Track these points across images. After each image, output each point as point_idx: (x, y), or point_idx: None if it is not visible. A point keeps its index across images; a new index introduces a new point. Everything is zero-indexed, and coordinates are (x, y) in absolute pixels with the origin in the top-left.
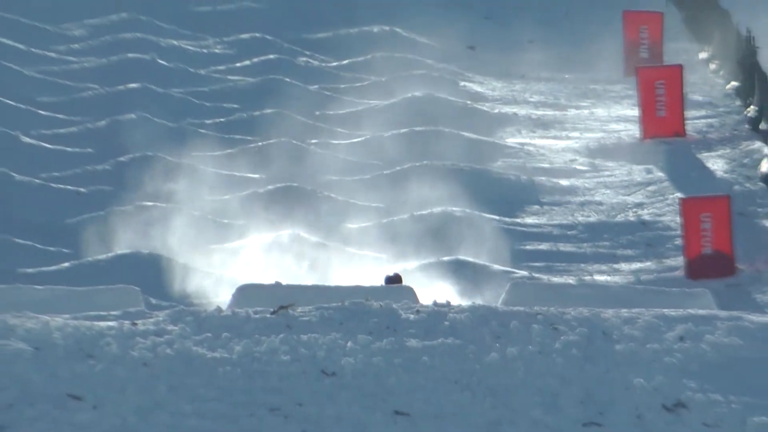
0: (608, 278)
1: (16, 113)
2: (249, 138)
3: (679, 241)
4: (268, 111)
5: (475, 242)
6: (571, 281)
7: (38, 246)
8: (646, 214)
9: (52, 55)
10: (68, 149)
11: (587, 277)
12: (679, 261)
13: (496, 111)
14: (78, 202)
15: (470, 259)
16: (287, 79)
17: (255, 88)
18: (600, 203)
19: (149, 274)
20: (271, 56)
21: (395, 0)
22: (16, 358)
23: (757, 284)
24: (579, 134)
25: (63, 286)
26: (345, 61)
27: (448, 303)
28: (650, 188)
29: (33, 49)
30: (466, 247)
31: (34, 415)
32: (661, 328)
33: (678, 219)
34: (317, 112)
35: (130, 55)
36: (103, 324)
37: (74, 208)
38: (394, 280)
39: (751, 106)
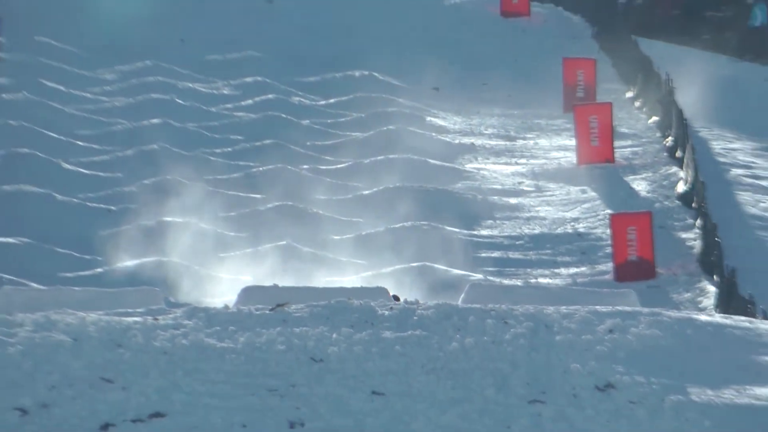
0: (549, 281)
1: (59, 144)
2: (251, 164)
3: (608, 250)
4: (268, 142)
5: (439, 251)
6: (518, 283)
7: (76, 254)
8: (581, 227)
9: (88, 95)
10: (101, 174)
11: (532, 280)
12: (608, 266)
13: (457, 141)
14: (109, 218)
15: (435, 265)
16: (283, 115)
17: (256, 122)
18: (543, 218)
19: (168, 277)
20: (270, 96)
21: (373, 50)
22: (58, 347)
23: (674, 285)
24: (525, 161)
25: (96, 287)
26: (331, 100)
27: (417, 301)
28: (585, 206)
29: (72, 91)
30: (432, 254)
31: (73, 395)
32: (593, 322)
33: (608, 231)
34: (308, 143)
35: (153, 95)
36: (129, 319)
37: (106, 222)
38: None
39: (669, 137)
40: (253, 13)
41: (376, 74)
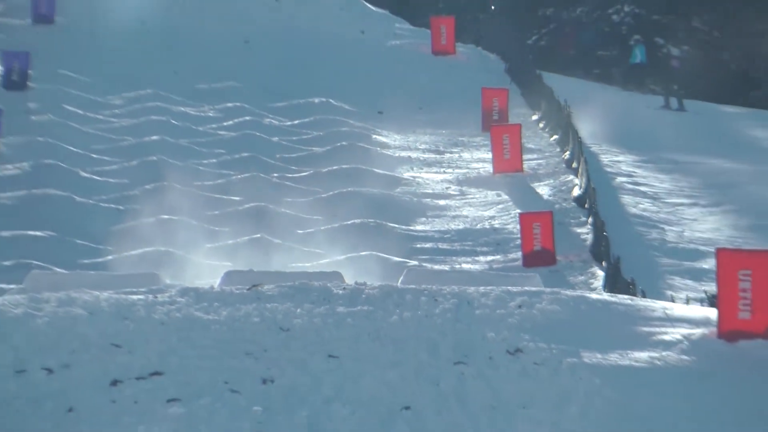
0: (471, 266)
1: (77, 156)
2: (231, 173)
3: (518, 242)
4: (245, 154)
5: (382, 242)
6: (446, 268)
7: (91, 245)
8: (496, 224)
9: (101, 117)
10: (111, 180)
11: (457, 266)
12: (518, 255)
13: (397, 155)
14: (118, 216)
15: (379, 254)
16: (257, 134)
17: (235, 139)
18: (466, 216)
19: (165, 263)
20: (247, 118)
21: (329, 81)
22: (77, 319)
23: (570, 270)
24: (452, 170)
25: (107, 272)
26: (296, 121)
27: (365, 283)
28: (499, 206)
29: (88, 114)
30: (377, 245)
31: (89, 358)
32: (506, 299)
33: (517, 227)
34: (277, 155)
35: (152, 117)
36: (134, 297)
37: (115, 219)
38: None
39: (567, 152)
40: (233, 52)
41: (331, 101)
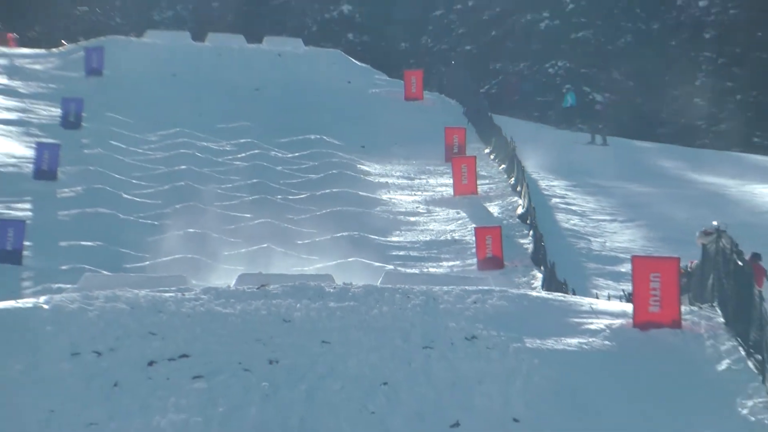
0: (436, 270)
1: (121, 182)
2: (245, 196)
3: (473, 250)
4: (255, 181)
5: (365, 251)
6: (416, 272)
7: (132, 253)
8: (456, 236)
9: (139, 150)
10: (148, 201)
11: (425, 270)
12: (473, 261)
13: (377, 181)
14: (153, 229)
15: (363, 260)
16: (265, 164)
17: (247, 168)
18: (432, 230)
19: (191, 267)
20: (256, 151)
21: (323, 122)
22: (120, 312)
23: (515, 273)
24: (421, 193)
25: (145, 274)
26: (296, 154)
27: (351, 283)
28: (458, 222)
29: (129, 148)
30: (361, 253)
31: (130, 343)
32: (464, 296)
33: (473, 238)
34: (281, 181)
35: (181, 150)
36: (166, 294)
37: (152, 232)
38: None
39: (512, 178)
40: (246, 97)
41: (324, 137)
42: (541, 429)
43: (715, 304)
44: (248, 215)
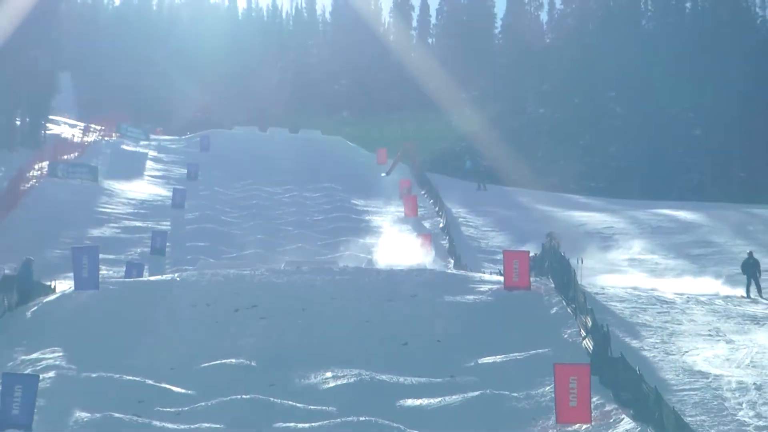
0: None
1: (220, 210)
2: (288, 217)
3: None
4: (293, 209)
5: (355, 247)
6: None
7: (227, 249)
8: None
9: (230, 192)
10: (235, 221)
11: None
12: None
13: (362, 209)
14: (240, 236)
15: (354, 253)
16: (299, 200)
17: (289, 202)
18: (391, 238)
19: (260, 257)
20: (294, 193)
21: (332, 177)
22: (219, 282)
23: (438, 260)
24: (386, 215)
25: (234, 261)
26: (317, 194)
27: (347, 266)
28: (407, 230)
29: (225, 191)
30: (353, 249)
31: (225, 299)
32: (411, 273)
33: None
34: (308, 209)
35: (253, 192)
36: (245, 272)
37: (241, 238)
38: None
39: (437, 208)
40: (289, 159)
41: (333, 185)
42: (453, 346)
43: (549, 276)
44: (290, 228)
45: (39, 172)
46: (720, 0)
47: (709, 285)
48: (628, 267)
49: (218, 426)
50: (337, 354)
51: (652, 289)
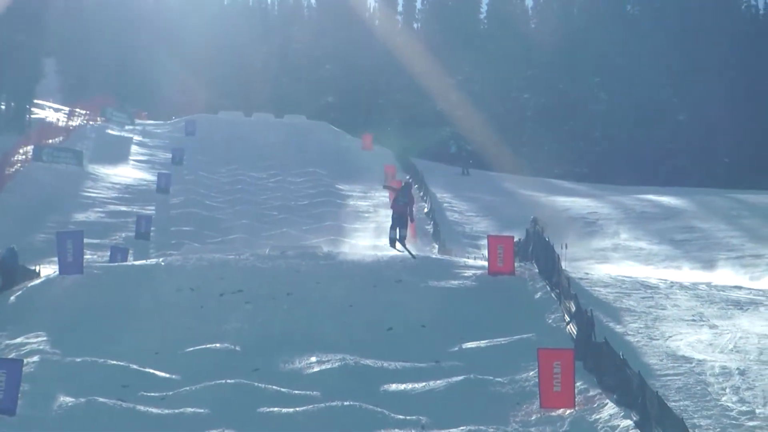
0: (379, 243)
1: (204, 194)
2: (273, 202)
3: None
4: (279, 194)
5: (340, 232)
6: (368, 245)
7: (211, 233)
8: (389, 226)
9: (215, 176)
10: (220, 205)
11: (374, 244)
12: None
13: (346, 194)
14: (223, 221)
15: (339, 238)
16: (284, 185)
17: (274, 187)
18: (376, 221)
19: (244, 242)
20: (279, 177)
21: (317, 162)
22: (204, 267)
23: (422, 245)
24: (371, 201)
25: (219, 246)
26: (301, 179)
27: (331, 251)
28: (390, 216)
29: (209, 175)
30: (337, 233)
31: (210, 284)
32: (395, 258)
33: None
34: (293, 194)
35: (238, 177)
36: (230, 256)
37: (222, 223)
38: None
39: (422, 193)
40: (273, 149)
41: (317, 170)
42: (438, 331)
43: (533, 261)
44: (275, 213)
45: (24, 157)
46: None
47: (693, 270)
48: (612, 252)
49: (202, 410)
50: (322, 339)
51: (635, 275)
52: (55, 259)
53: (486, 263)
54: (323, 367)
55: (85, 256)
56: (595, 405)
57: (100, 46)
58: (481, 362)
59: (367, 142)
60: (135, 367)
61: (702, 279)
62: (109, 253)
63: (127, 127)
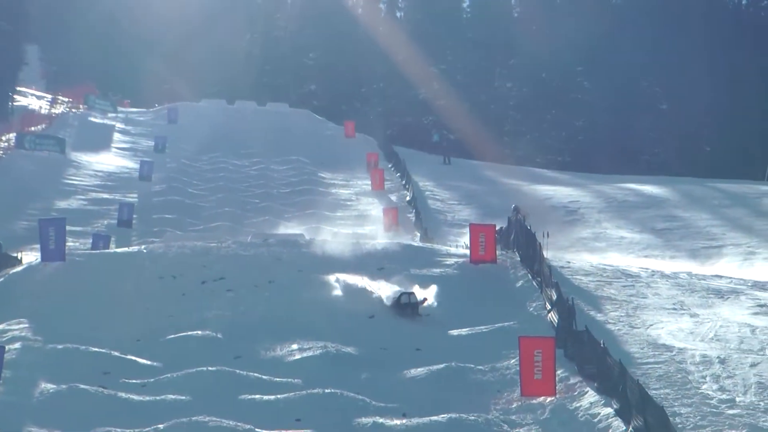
0: (360, 230)
1: (186, 182)
2: (255, 190)
3: (381, 220)
4: (261, 182)
5: (322, 220)
6: (350, 232)
7: (193, 221)
8: (372, 213)
9: (197, 164)
10: (200, 193)
11: (355, 231)
12: (378, 227)
13: (329, 182)
14: (205, 209)
15: (321, 226)
16: (266, 173)
17: (257, 175)
18: (359, 209)
19: (227, 229)
20: (262, 165)
21: (299, 150)
22: (186, 254)
23: (404, 233)
24: (353, 188)
25: (200, 234)
26: (284, 167)
27: (313, 239)
28: (372, 204)
29: (191, 163)
30: (319, 222)
31: (192, 271)
32: (376, 245)
33: (379, 213)
34: (276, 182)
35: (220, 165)
36: (212, 244)
37: (203, 210)
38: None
39: (404, 181)
40: (257, 136)
41: (300, 158)
42: (419, 319)
43: (514, 249)
44: (257, 201)
45: (6, 144)
46: None
47: (674, 259)
48: (593, 241)
49: (184, 397)
50: (303, 326)
51: (617, 264)
52: (37, 246)
53: (468, 251)
54: (304, 354)
55: (67, 244)
56: (576, 393)
57: (83, 34)
58: (463, 350)
59: (349, 129)
60: (116, 354)
61: (683, 268)
62: (91, 241)
63: (109, 115)
